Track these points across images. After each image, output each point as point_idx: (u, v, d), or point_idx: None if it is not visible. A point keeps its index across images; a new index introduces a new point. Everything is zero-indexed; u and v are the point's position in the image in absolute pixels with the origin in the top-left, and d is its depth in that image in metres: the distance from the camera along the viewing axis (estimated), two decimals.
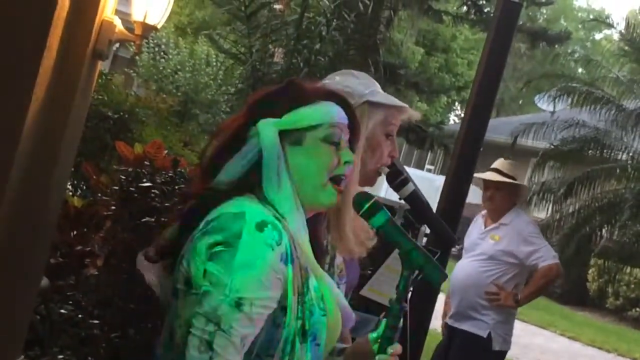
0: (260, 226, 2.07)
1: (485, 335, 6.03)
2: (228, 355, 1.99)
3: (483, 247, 6.23)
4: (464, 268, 6.28)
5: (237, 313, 1.99)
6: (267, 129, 2.20)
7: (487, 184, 6.25)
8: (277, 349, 2.08)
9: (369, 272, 3.74)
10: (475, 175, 6.39)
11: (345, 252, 2.83)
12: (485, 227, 6.34)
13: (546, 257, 6.07)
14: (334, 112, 2.28)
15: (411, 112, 2.93)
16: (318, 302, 2.15)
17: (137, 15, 4.32)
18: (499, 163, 6.34)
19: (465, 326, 6.10)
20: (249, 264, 2.02)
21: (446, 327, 6.37)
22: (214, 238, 2.06)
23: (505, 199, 6.22)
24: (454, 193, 6.04)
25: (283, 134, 2.22)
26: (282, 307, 2.07)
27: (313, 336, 2.12)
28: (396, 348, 2.23)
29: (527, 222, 6.32)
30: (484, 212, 6.47)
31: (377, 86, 2.90)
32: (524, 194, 6.50)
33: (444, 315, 6.41)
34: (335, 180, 2.28)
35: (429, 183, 18.47)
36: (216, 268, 2.02)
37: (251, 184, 2.19)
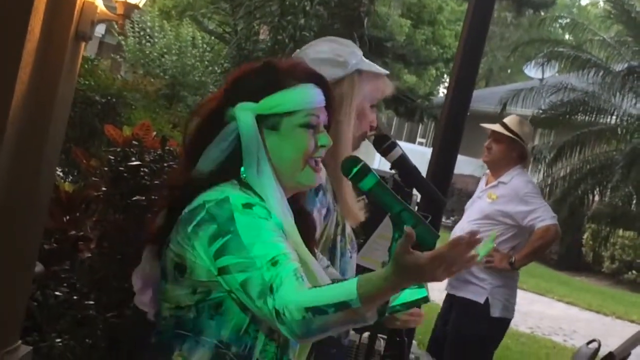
0: (249, 206, 2.09)
1: (482, 301, 5.72)
2: (294, 289, 1.95)
3: (480, 206, 5.99)
4: (461, 230, 5.90)
5: (277, 268, 1.98)
6: (245, 114, 2.20)
7: (490, 134, 6.04)
8: (264, 324, 2.11)
9: (362, 240, 3.74)
10: (481, 124, 6.25)
11: (352, 219, 2.85)
12: (486, 185, 6.07)
13: (544, 217, 5.76)
14: (312, 98, 2.26)
15: (389, 84, 2.93)
16: None
17: None
18: (508, 118, 6.11)
19: (463, 292, 5.83)
20: (256, 236, 2.03)
21: (447, 296, 6.15)
22: (210, 229, 2.07)
23: (502, 153, 5.93)
24: (442, 163, 5.99)
25: (260, 118, 2.21)
26: None
27: None
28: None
29: (526, 182, 5.99)
30: (488, 170, 6.20)
31: (361, 52, 2.90)
32: (525, 154, 6.04)
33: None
34: (311, 163, 2.28)
35: (421, 156, 18.34)
36: (233, 259, 2.02)
37: (232, 170, 2.19)
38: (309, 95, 2.26)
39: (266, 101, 2.22)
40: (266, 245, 2.02)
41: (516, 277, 5.97)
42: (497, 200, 5.88)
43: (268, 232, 2.05)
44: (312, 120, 2.25)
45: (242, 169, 2.19)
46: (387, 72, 2.91)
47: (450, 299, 5.97)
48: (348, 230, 2.91)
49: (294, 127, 2.23)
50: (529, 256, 5.86)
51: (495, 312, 5.75)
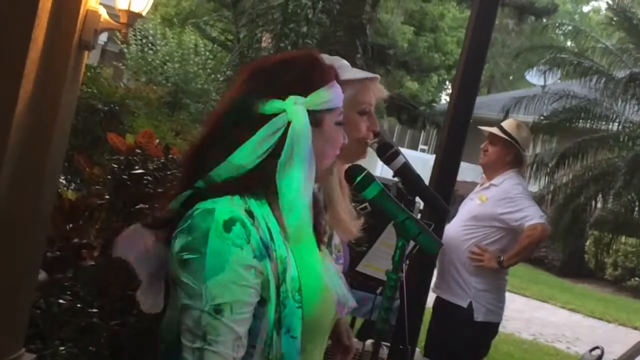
0: (228, 225, 2.00)
1: (465, 305, 5.67)
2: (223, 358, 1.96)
3: (470, 207, 5.96)
4: (447, 231, 5.87)
5: (220, 320, 1.95)
6: (299, 109, 2.12)
7: (487, 137, 6.03)
8: (259, 340, 2.05)
9: (364, 248, 3.75)
10: (479, 127, 6.22)
11: (344, 233, 2.82)
12: (480, 187, 6.04)
13: (532, 216, 5.66)
14: (342, 96, 2.25)
15: (380, 88, 2.90)
16: (293, 294, 2.08)
17: (121, 4, 4.32)
18: (506, 121, 6.10)
19: (446, 295, 5.78)
20: (219, 268, 1.97)
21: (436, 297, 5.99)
22: (185, 238, 2.01)
23: (497, 155, 5.91)
24: (445, 170, 5.95)
25: (307, 113, 2.14)
26: (262, 299, 2.03)
27: (286, 328, 2.06)
28: None
29: (516, 184, 5.88)
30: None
31: (345, 63, 2.85)
32: (521, 158, 5.98)
33: None
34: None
35: (423, 163, 18.39)
36: (189, 279, 1.98)
37: (266, 173, 2.09)
38: (341, 94, 2.24)
39: (316, 96, 2.16)
40: (220, 287, 1.96)
41: (502, 281, 5.90)
42: (486, 202, 5.85)
43: (230, 271, 1.98)
44: (342, 118, 2.25)
45: (279, 172, 2.10)
46: (374, 75, 2.88)
47: (436, 300, 5.90)
48: (336, 241, 2.90)
49: (332, 125, 2.20)
50: (517, 255, 5.76)
51: (479, 317, 5.68)
